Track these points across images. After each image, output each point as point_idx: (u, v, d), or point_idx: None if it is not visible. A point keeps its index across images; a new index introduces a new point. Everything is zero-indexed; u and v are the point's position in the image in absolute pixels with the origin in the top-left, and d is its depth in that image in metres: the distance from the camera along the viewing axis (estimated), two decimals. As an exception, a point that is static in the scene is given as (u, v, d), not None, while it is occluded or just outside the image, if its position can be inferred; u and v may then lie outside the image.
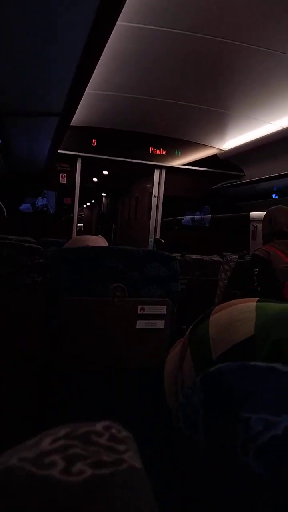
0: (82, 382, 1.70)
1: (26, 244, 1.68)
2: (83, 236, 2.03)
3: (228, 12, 2.03)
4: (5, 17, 1.18)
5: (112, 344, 1.70)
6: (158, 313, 1.78)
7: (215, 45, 2.34)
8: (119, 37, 2.19)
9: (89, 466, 0.21)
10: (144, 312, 1.77)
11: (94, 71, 1.90)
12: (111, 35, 1.50)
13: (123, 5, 1.16)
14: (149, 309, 1.77)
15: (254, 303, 0.54)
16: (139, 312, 1.76)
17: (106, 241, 1.92)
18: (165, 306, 1.77)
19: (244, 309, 0.53)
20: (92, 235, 2.10)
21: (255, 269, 2.12)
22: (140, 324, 1.77)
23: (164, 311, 1.77)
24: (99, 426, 0.24)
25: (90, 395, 1.60)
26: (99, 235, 2.03)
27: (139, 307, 1.76)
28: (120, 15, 1.36)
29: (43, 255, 1.72)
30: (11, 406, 1.57)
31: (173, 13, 2.05)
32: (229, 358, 0.48)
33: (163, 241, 4.49)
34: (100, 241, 1.87)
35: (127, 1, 1.58)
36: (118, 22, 1.80)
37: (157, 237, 4.75)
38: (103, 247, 1.81)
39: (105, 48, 1.75)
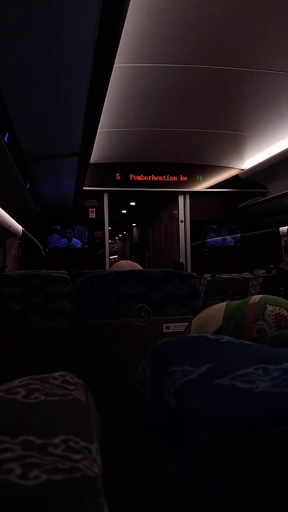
0: (111, 403, 1.76)
1: (54, 274, 1.80)
2: (120, 262, 2.17)
3: (229, 40, 2.15)
4: (18, 75, 1.36)
5: (139, 363, 1.76)
6: (183, 330, 1.82)
7: (221, 73, 2.46)
8: (125, 77, 2.38)
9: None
10: (170, 330, 1.82)
11: (107, 111, 2.07)
12: (117, 76, 1.66)
13: (117, 48, 1.31)
14: (174, 327, 1.82)
15: (226, 302, 0.65)
16: (165, 330, 1.82)
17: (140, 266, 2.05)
18: (189, 323, 1.81)
19: (217, 308, 0.64)
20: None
21: (281, 288, 2.11)
22: (167, 343, 1.82)
23: (188, 328, 1.82)
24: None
25: (119, 416, 1.63)
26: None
27: (165, 325, 1.82)
28: (120, 57, 1.52)
29: (69, 283, 1.84)
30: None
31: (173, 49, 2.21)
32: None
33: (181, 261, 4.54)
34: (135, 265, 2.01)
35: (125, 44, 1.75)
36: (118, 64, 1.97)
37: (185, 261, 4.81)
38: (125, 271, 1.90)
39: (114, 89, 1.92)
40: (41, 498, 0.23)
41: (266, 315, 0.59)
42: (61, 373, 0.34)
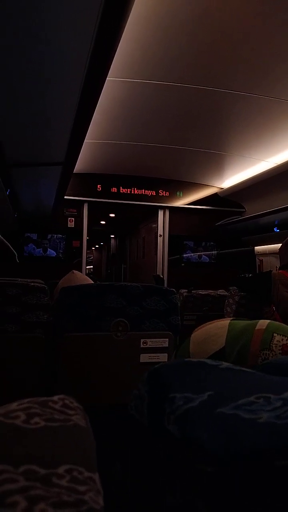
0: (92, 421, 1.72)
1: (32, 284, 1.76)
2: (76, 274, 2.12)
3: (216, 63, 2.21)
4: (7, 77, 1.35)
5: (115, 378, 1.73)
6: (161, 346, 1.82)
7: (207, 94, 2.53)
8: (114, 91, 2.40)
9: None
10: (147, 346, 1.81)
11: (94, 122, 2.07)
12: (106, 89, 1.67)
13: (111, 62, 1.32)
14: (151, 343, 1.81)
15: (228, 321, 0.63)
16: (142, 345, 1.80)
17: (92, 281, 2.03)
18: (167, 339, 1.81)
19: (219, 326, 0.62)
20: (102, 276, 2.20)
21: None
22: (144, 358, 1.81)
23: (166, 344, 1.81)
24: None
25: (94, 432, 1.59)
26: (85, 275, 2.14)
27: (142, 340, 1.80)
28: (112, 70, 1.53)
29: (47, 293, 1.80)
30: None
31: (164, 67, 2.25)
32: None
33: (161, 276, 4.56)
34: (88, 279, 1.98)
35: (119, 58, 1.77)
36: (110, 78, 1.99)
37: (162, 275, 4.83)
38: (105, 284, 1.89)
39: (102, 101, 1.92)
40: None
41: (273, 345, 0.57)
42: (60, 396, 0.33)
